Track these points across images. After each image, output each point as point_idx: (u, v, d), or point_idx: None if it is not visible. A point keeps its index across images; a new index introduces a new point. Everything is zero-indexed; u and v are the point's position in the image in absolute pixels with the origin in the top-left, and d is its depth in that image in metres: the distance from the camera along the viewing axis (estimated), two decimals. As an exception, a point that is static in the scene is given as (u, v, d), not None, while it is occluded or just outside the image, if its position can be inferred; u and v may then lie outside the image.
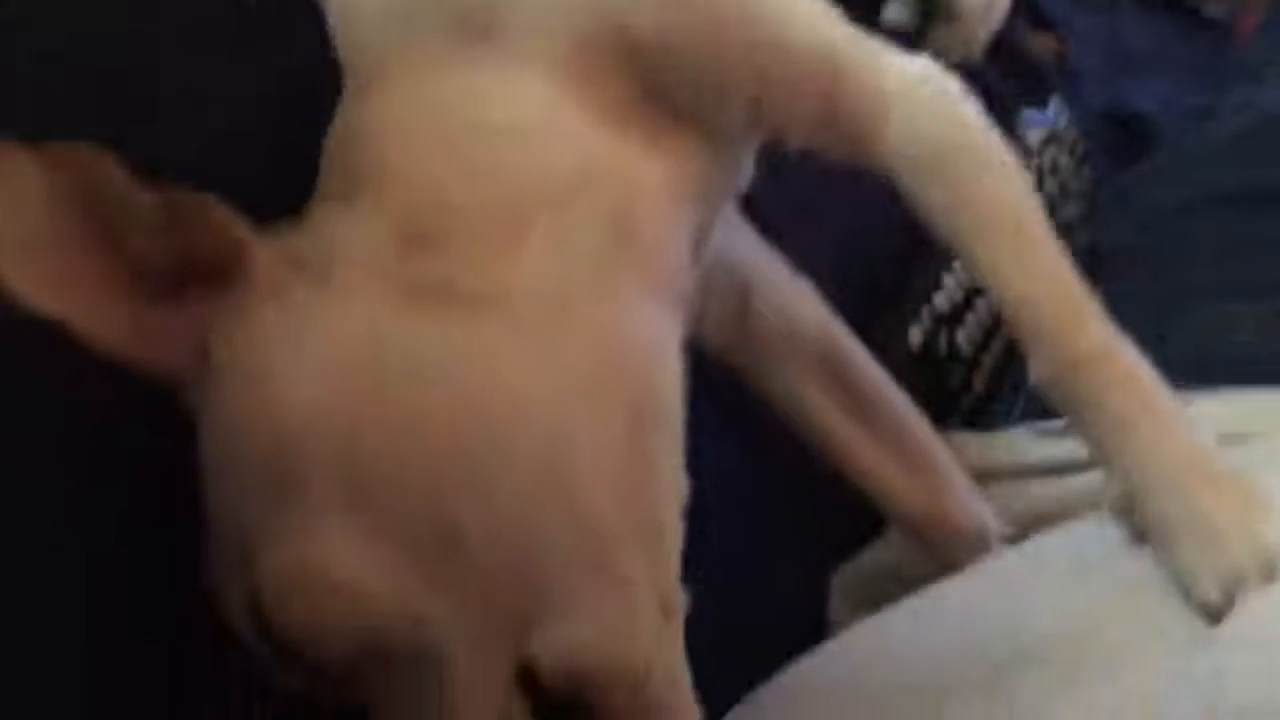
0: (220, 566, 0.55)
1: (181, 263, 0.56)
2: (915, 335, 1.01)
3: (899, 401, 0.84)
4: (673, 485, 0.58)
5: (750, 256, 0.83)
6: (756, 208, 0.86)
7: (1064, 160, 1.20)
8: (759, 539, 0.88)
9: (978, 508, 0.82)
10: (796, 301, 0.84)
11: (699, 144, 0.65)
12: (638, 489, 0.56)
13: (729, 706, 0.65)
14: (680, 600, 0.55)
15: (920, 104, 0.66)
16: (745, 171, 0.73)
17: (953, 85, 0.67)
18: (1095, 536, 0.64)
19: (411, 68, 0.63)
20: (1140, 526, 0.59)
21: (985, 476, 0.88)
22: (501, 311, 0.56)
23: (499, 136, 0.61)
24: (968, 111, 0.67)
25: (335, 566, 0.51)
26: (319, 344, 0.55)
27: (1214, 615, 0.55)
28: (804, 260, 0.86)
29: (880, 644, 0.62)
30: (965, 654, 0.57)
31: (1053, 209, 1.04)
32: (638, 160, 0.63)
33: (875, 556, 0.91)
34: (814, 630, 0.85)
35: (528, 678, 0.51)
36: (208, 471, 0.56)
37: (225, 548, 0.55)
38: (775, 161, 0.77)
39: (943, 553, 0.79)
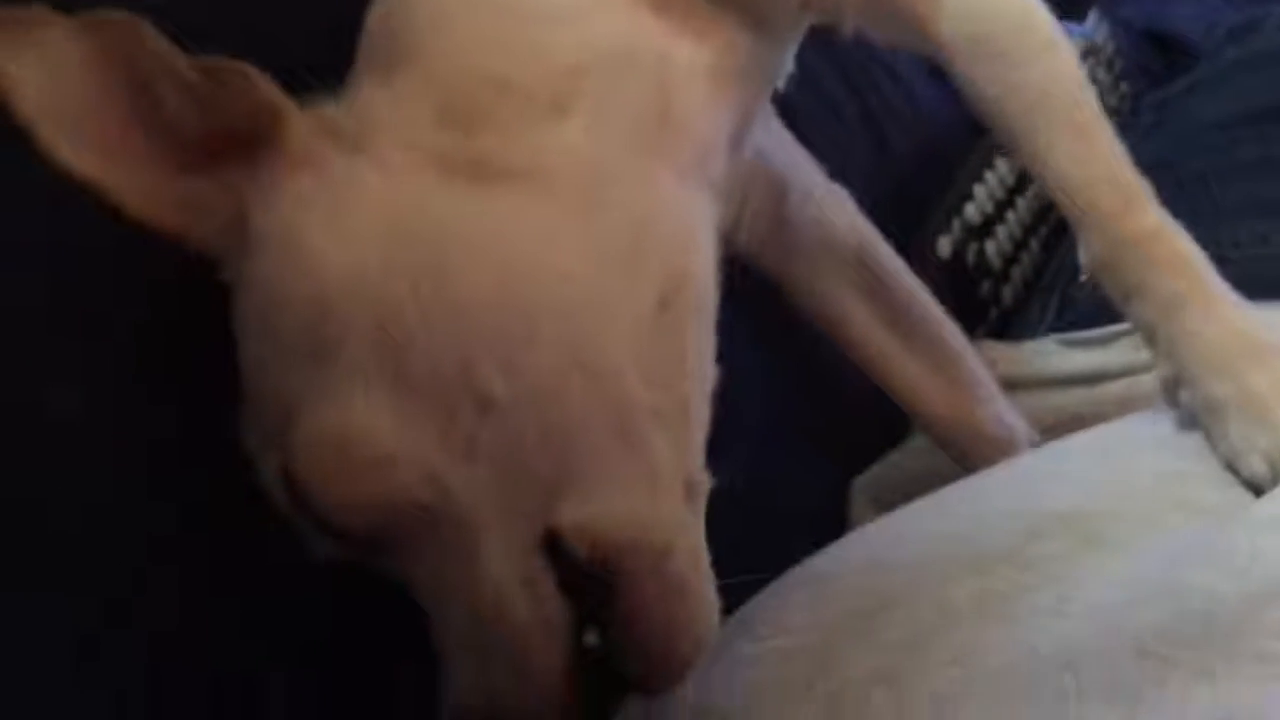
0: (255, 436, 0.55)
1: (219, 131, 0.56)
2: (945, 245, 1.01)
3: (932, 308, 0.84)
4: (701, 369, 0.58)
5: (788, 161, 0.82)
6: (787, 113, 0.86)
7: (1101, 75, 1.19)
8: (779, 441, 0.88)
9: (1007, 415, 0.82)
10: (832, 207, 0.83)
11: (743, 32, 0.65)
12: (665, 368, 0.56)
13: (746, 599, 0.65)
14: (704, 484, 0.56)
15: None
16: (786, 64, 0.72)
17: None
18: (1119, 434, 0.64)
19: None
20: (1189, 405, 0.60)
21: (1012, 385, 0.88)
22: (538, 186, 0.56)
23: (543, 16, 0.61)
24: None
25: (367, 436, 0.52)
26: (356, 213, 0.55)
27: (1260, 491, 0.55)
28: (834, 168, 0.86)
29: (902, 529, 0.63)
30: (985, 532, 0.57)
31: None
32: (680, 44, 0.62)
33: (895, 463, 0.91)
34: (835, 532, 0.85)
35: (553, 547, 0.52)
36: (245, 339, 0.56)
37: (260, 417, 0.55)
38: (807, 69, 0.77)
39: (971, 459, 0.79)
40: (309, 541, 0.55)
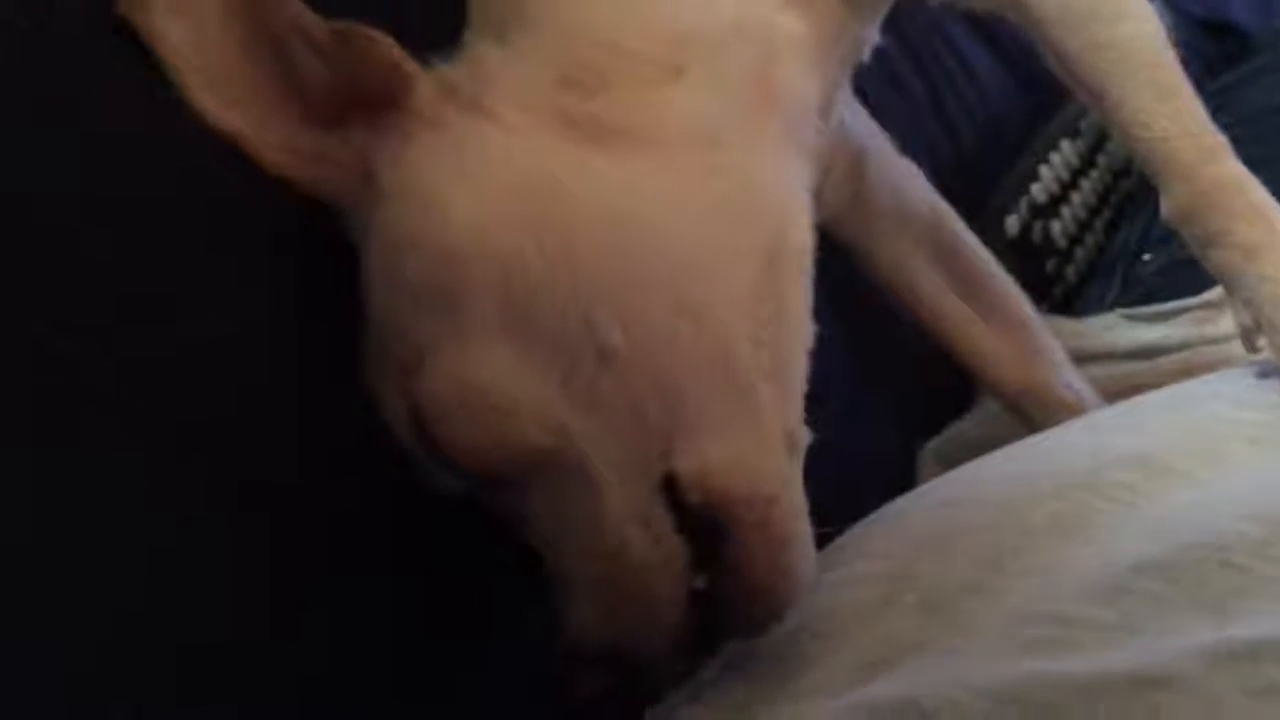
0: (378, 374, 0.58)
1: (346, 90, 0.59)
2: (1012, 224, 1.03)
3: (1002, 278, 0.86)
4: (800, 329, 0.61)
5: (866, 132, 0.85)
6: (855, 91, 0.88)
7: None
8: (848, 407, 0.90)
9: (1075, 382, 0.84)
10: (907, 178, 0.86)
11: (839, 3, 0.67)
12: (770, 327, 0.58)
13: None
14: (804, 438, 0.58)
15: None
16: (873, 36, 0.75)
17: None
18: (1185, 392, 0.67)
19: None
20: (1269, 347, 0.62)
21: (1076, 359, 0.89)
22: (654, 148, 0.59)
23: None
24: None
25: (493, 385, 0.55)
26: (481, 170, 0.58)
27: None
28: (900, 146, 0.88)
29: (975, 474, 0.65)
30: (1057, 468, 0.60)
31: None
32: (783, 15, 0.65)
33: (962, 430, 0.93)
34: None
35: (671, 491, 0.54)
36: (371, 286, 0.59)
37: (384, 358, 0.58)
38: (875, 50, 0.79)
39: (1041, 423, 0.81)
40: (432, 474, 0.58)
